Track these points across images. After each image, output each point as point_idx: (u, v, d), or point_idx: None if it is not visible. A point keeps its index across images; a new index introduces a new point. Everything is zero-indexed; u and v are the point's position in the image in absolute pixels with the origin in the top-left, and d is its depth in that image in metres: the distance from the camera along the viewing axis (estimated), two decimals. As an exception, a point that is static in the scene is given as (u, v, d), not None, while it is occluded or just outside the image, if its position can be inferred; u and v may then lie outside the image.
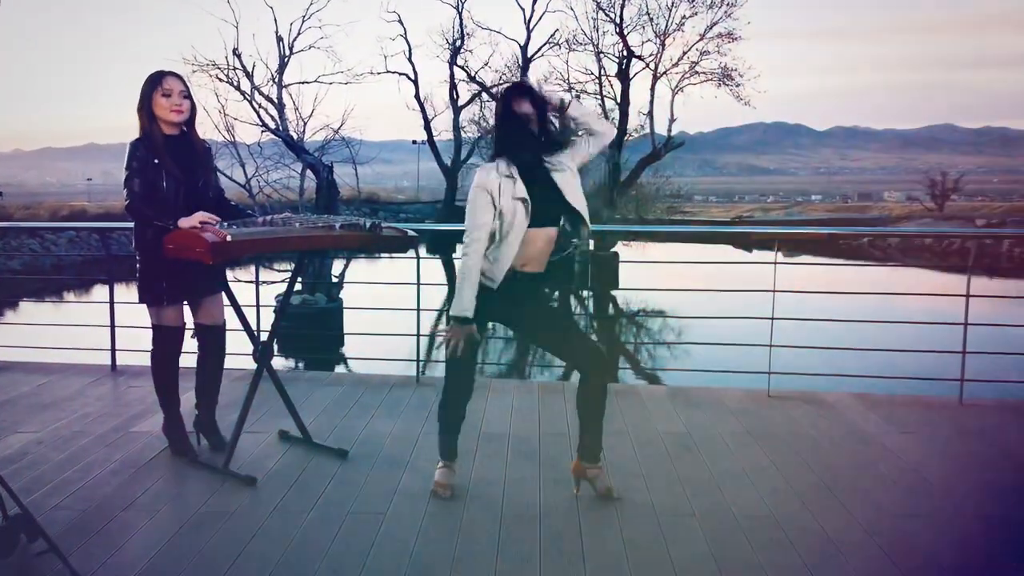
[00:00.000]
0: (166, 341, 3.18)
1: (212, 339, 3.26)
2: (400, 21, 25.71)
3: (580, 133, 2.80)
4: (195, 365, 3.28)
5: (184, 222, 2.87)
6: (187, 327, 3.24)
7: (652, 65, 22.14)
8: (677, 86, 22.29)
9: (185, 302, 3.21)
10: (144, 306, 3.15)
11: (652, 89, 22.17)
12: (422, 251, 4.02)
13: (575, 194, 2.74)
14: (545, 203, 2.70)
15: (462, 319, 2.65)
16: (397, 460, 3.21)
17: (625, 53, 22.19)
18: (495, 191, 2.65)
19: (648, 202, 26.75)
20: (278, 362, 6.06)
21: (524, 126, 2.67)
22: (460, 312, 2.65)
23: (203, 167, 3.15)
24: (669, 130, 21.95)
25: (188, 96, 3.05)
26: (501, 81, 24.06)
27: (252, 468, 3.09)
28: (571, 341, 2.81)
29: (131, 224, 3.12)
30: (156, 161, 2.99)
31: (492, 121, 2.80)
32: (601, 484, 2.85)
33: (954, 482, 3.07)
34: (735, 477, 3.07)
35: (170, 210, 2.95)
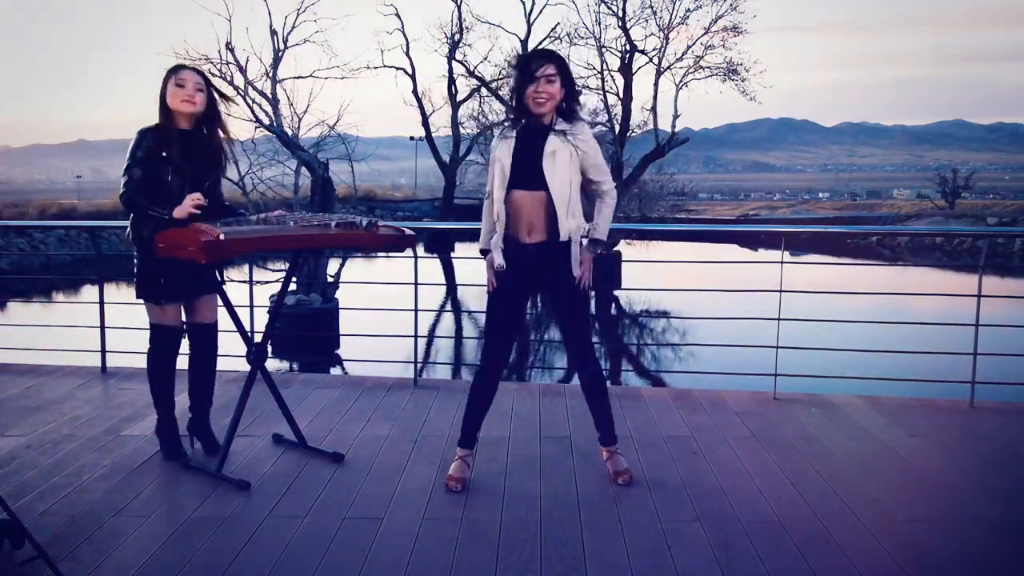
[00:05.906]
0: (164, 341, 3.13)
1: (205, 339, 3.21)
2: (397, 15, 25.45)
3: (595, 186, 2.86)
4: (187, 367, 3.23)
5: (178, 211, 2.84)
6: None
7: (655, 59, 21.94)
8: (681, 81, 22.11)
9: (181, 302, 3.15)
10: (136, 306, 3.10)
11: (655, 84, 21.98)
12: (420, 250, 3.97)
13: (553, 169, 2.71)
14: (531, 167, 2.73)
15: (481, 250, 2.90)
16: (394, 464, 3.16)
17: (628, 47, 21.99)
18: (495, 153, 2.80)
19: (651, 200, 26.66)
20: (272, 364, 5.98)
21: (523, 89, 2.70)
22: (480, 245, 2.90)
23: (214, 167, 3.09)
24: (673, 126, 21.79)
25: (202, 89, 2.99)
26: (500, 76, 23.86)
27: (246, 472, 3.05)
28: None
29: (123, 222, 3.06)
30: (164, 154, 2.93)
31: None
32: (611, 467, 3.00)
33: (964, 487, 3.01)
34: (740, 481, 3.01)
35: (170, 206, 2.89)
